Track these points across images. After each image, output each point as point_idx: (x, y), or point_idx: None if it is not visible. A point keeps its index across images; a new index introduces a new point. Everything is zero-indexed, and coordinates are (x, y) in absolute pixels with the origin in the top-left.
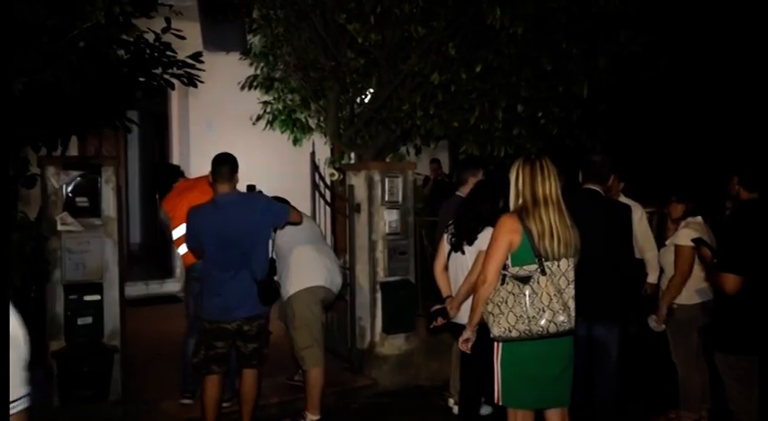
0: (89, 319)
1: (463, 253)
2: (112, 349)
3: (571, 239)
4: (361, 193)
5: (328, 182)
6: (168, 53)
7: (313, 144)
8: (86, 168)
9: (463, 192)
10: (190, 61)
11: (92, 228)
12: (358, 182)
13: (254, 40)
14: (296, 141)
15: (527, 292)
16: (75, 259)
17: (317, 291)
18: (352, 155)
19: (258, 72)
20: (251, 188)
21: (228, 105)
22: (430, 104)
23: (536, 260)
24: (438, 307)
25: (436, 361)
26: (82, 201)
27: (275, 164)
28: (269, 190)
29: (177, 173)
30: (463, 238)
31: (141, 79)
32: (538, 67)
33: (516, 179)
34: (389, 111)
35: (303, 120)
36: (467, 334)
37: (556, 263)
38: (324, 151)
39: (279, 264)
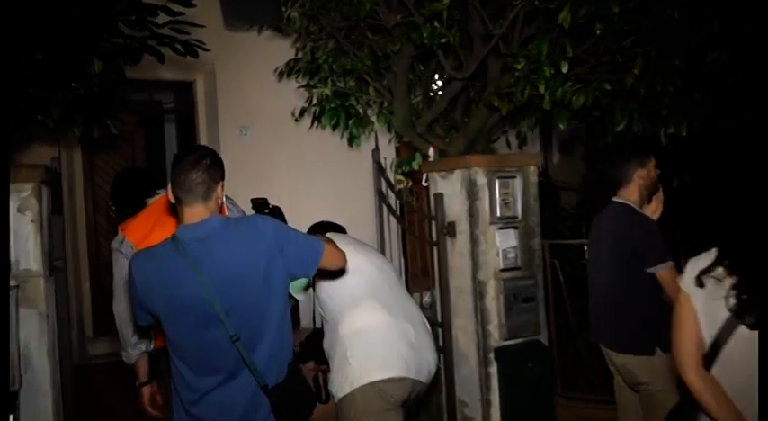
0: None
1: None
2: None
3: None
4: (456, 206)
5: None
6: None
7: (376, 138)
8: None
9: (627, 196)
10: (176, 8)
11: None
12: (450, 188)
13: (293, 13)
14: (352, 140)
15: None
16: None
17: (393, 388)
18: (431, 152)
19: (300, 54)
20: (260, 205)
21: (266, 100)
22: (560, 59)
23: None
24: None
25: None
26: None
27: (331, 172)
28: (325, 210)
29: (152, 183)
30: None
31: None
32: None
33: None
34: (488, 79)
35: (360, 109)
36: None
37: None
38: (390, 151)
39: (325, 338)
